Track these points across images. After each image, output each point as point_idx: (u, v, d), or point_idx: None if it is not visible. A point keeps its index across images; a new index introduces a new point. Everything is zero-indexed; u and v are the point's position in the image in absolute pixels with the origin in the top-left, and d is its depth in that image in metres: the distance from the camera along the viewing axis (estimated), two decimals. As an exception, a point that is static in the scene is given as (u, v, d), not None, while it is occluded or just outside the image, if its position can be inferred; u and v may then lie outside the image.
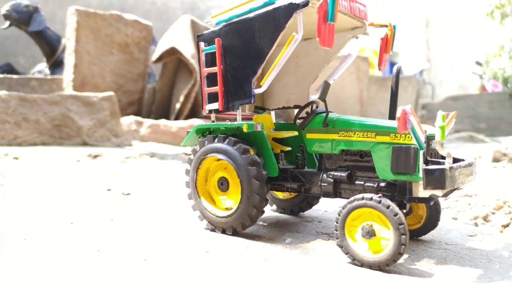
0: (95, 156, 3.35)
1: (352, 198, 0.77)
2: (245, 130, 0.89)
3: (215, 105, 0.97)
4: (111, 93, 4.07)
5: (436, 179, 0.72)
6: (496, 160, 4.87)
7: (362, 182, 0.87)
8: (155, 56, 4.92)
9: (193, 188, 1.00)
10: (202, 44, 0.98)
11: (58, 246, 0.94)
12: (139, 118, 4.57)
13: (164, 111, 5.20)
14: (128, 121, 4.50)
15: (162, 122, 4.62)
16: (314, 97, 1.07)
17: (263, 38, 0.87)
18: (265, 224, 1.05)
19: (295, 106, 1.10)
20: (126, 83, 4.94)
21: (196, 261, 0.81)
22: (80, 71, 4.49)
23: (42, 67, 5.99)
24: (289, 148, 1.00)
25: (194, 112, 5.14)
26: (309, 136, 0.94)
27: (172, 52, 4.72)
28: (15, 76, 4.84)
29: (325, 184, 0.90)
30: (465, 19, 10.80)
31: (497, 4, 5.50)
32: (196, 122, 4.67)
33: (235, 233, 0.93)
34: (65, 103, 3.95)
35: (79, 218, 1.17)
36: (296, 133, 1.02)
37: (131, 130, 4.45)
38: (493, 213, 1.65)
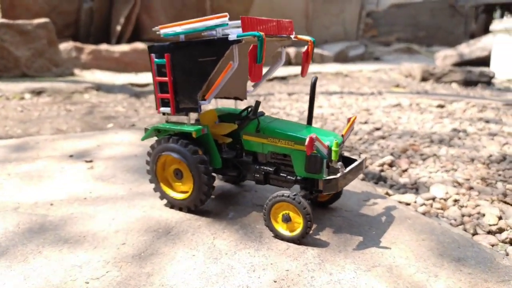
0: (39, 93, 3.30)
1: (275, 194, 1.05)
2: (194, 136, 1.11)
3: (167, 109, 1.16)
4: (47, 19, 3.86)
5: (331, 185, 1.02)
6: (424, 79, 5.35)
7: (285, 175, 1.15)
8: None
9: (153, 176, 1.23)
10: (153, 55, 1.13)
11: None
12: (78, 44, 4.42)
13: (104, 33, 5.02)
14: (67, 48, 4.34)
15: (104, 47, 4.49)
16: (252, 91, 1.29)
17: (206, 61, 1.06)
18: (213, 196, 1.32)
19: (235, 98, 1.31)
20: (60, 4, 4.65)
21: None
22: (7, -8, 4.16)
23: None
24: (230, 140, 1.23)
25: (137, 35, 5.01)
26: (245, 137, 1.18)
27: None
28: None
29: (258, 175, 1.17)
30: None
31: None
32: (139, 45, 4.59)
33: (189, 211, 1.20)
34: (-4, 32, 3.73)
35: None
36: (235, 126, 1.24)
37: (71, 57, 4.33)
38: (399, 156, 2.03)
